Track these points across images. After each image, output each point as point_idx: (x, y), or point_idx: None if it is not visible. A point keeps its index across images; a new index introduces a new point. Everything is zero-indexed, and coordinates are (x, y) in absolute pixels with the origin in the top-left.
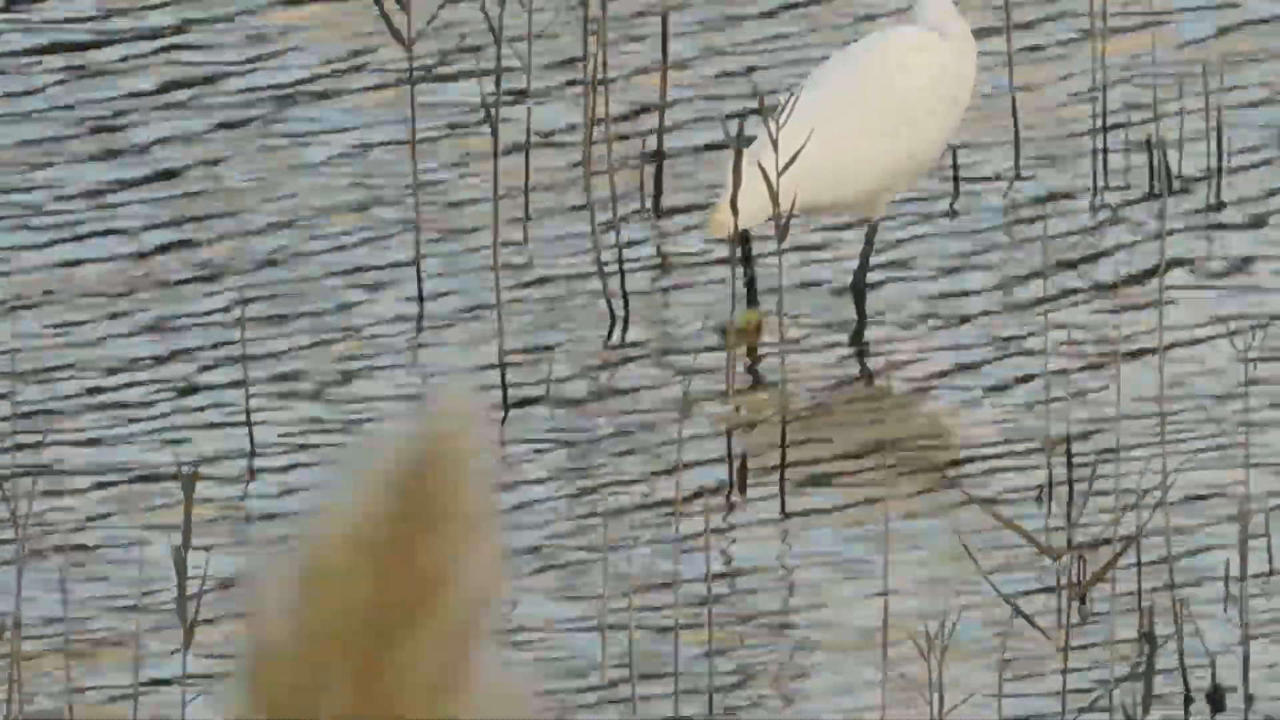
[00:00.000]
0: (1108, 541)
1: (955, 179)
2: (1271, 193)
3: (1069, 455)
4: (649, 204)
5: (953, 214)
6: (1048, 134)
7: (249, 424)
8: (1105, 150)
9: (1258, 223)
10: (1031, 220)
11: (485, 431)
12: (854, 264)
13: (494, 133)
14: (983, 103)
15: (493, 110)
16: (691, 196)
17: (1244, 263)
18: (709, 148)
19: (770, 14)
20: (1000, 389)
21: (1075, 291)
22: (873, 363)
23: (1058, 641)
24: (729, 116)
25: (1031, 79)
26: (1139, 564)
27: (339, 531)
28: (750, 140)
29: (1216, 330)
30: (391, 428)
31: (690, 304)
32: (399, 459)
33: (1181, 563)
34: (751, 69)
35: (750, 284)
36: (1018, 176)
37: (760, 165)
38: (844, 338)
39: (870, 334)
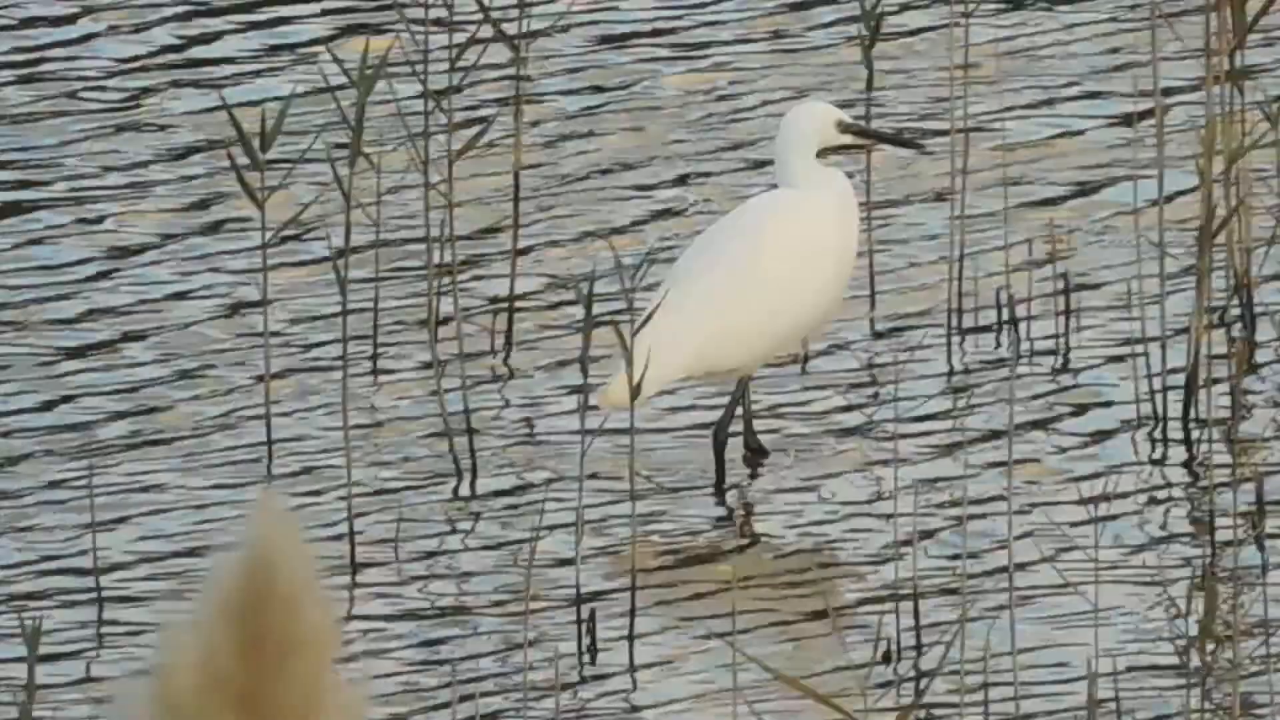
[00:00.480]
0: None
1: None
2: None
3: (916, 614)
4: (499, 358)
5: (804, 371)
6: (902, 294)
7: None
8: (960, 310)
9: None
10: (883, 383)
11: (306, 554)
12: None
13: (342, 290)
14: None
15: (341, 269)
16: (540, 353)
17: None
18: (560, 304)
19: (622, 185)
20: (852, 539)
21: (929, 447)
22: (730, 508)
23: None
24: (580, 279)
25: (889, 237)
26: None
27: (188, 671)
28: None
29: (1066, 484)
30: (226, 561)
31: (538, 455)
32: (234, 592)
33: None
34: (601, 233)
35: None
36: (874, 335)
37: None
38: (706, 484)
39: (731, 478)
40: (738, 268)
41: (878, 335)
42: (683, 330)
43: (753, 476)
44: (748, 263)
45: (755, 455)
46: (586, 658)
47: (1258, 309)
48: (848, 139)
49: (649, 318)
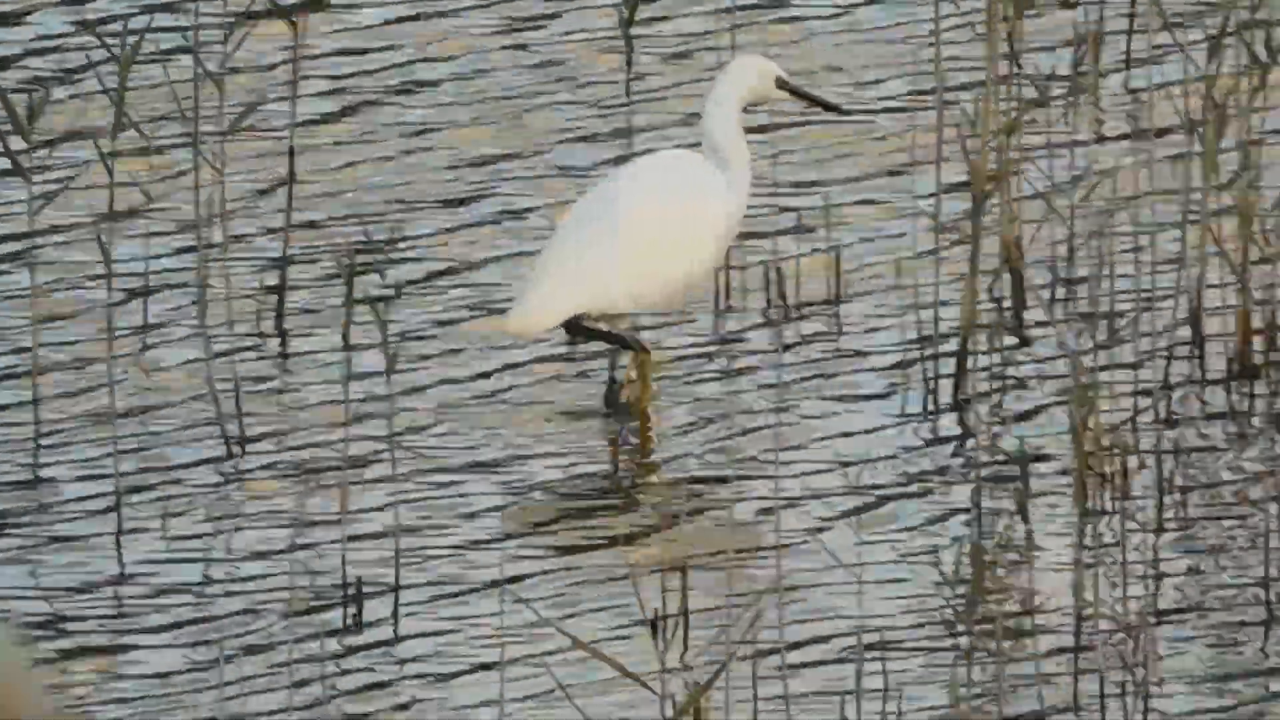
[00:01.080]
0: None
1: None
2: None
3: (684, 583)
4: (272, 327)
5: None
6: None
7: None
8: (728, 285)
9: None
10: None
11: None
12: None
13: (106, 260)
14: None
15: (106, 240)
16: (311, 322)
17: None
18: (329, 277)
19: (388, 157)
20: (619, 510)
21: (699, 418)
22: (501, 475)
23: None
24: (347, 248)
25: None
26: (755, 694)
27: None
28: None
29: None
30: None
31: (309, 426)
32: None
33: (802, 682)
34: (373, 206)
35: (619, 340)
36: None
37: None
38: (473, 454)
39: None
40: (640, 219)
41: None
42: (581, 268)
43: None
44: (649, 216)
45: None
46: (353, 626)
47: (1029, 278)
48: (781, 95)
49: (552, 249)
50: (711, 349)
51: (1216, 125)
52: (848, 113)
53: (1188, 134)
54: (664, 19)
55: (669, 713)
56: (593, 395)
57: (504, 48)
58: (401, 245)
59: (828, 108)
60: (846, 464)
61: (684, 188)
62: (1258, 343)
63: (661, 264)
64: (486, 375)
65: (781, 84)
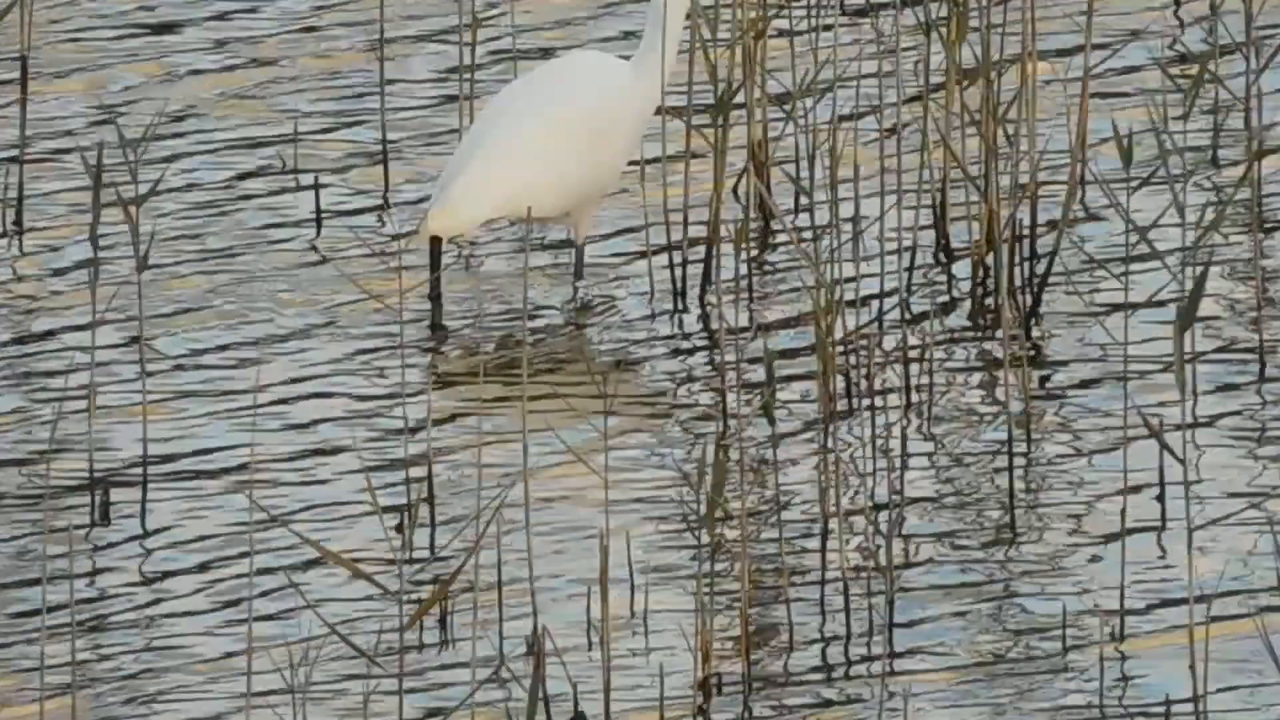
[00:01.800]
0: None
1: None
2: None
3: (430, 484)
4: (9, 224)
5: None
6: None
7: None
8: None
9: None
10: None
11: None
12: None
13: None
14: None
15: None
16: (57, 211)
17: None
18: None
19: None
20: (373, 407)
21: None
22: (249, 387)
23: (394, 670)
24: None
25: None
26: (500, 593)
27: None
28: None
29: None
30: None
31: (54, 326)
32: None
33: (546, 590)
34: (112, 97)
35: (436, 296)
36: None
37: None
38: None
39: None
40: (552, 118)
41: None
42: (495, 168)
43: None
44: (562, 116)
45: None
46: (100, 523)
47: (775, 184)
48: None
49: (465, 150)
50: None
51: (958, 23)
52: None
53: (924, 33)
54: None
55: (408, 612)
56: (347, 297)
57: None
58: (152, 147)
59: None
60: (595, 369)
61: (593, 78)
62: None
63: (582, 152)
64: (240, 276)
65: None
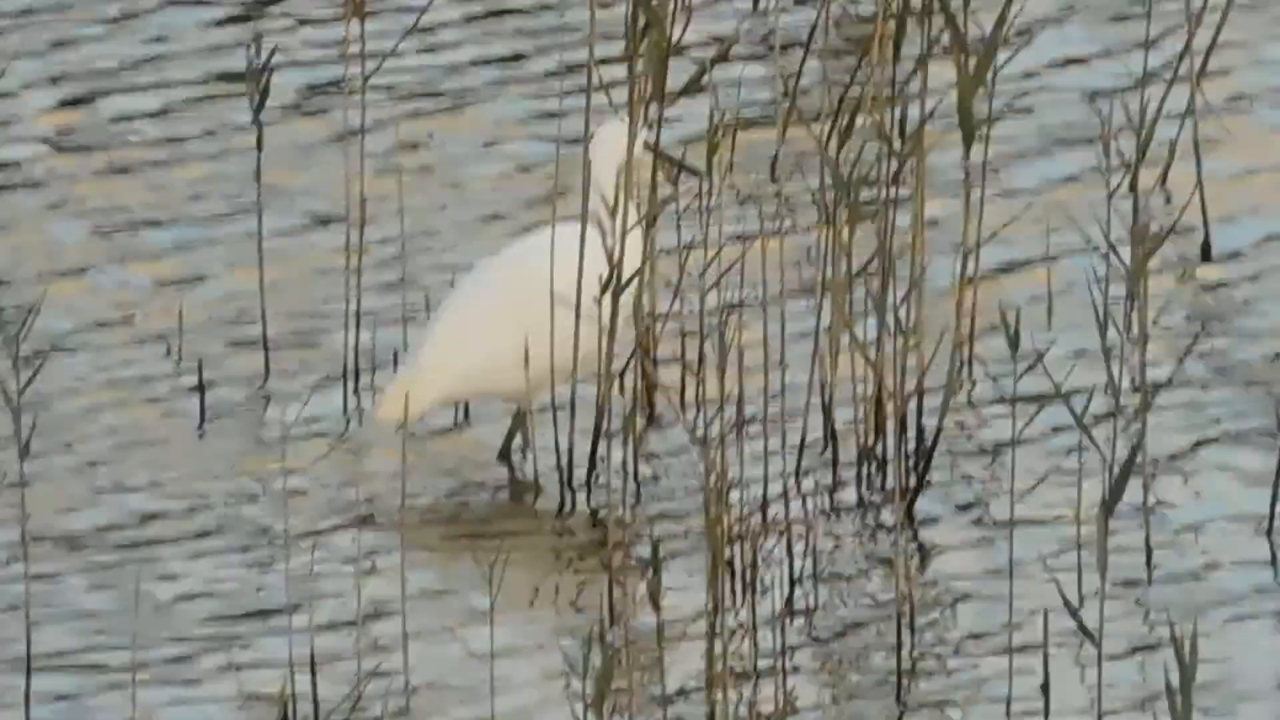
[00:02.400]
0: None
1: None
2: None
3: (314, 680)
4: None
5: (201, 431)
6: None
7: None
8: (359, 368)
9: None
10: (270, 443)
11: None
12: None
13: None
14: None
15: None
16: None
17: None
18: None
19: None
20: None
21: (325, 508)
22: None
23: None
24: None
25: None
26: None
27: None
28: None
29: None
30: None
31: None
32: None
33: None
34: None
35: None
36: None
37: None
38: None
39: None
40: (504, 298)
41: (268, 400)
42: (449, 352)
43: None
44: (513, 295)
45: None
46: None
47: (661, 363)
48: (647, 159)
49: (428, 334)
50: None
51: (852, 214)
52: (702, 175)
53: (824, 224)
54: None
55: None
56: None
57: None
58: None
59: (691, 171)
60: (478, 555)
61: (555, 261)
62: (889, 430)
63: (529, 340)
64: None
65: (648, 147)
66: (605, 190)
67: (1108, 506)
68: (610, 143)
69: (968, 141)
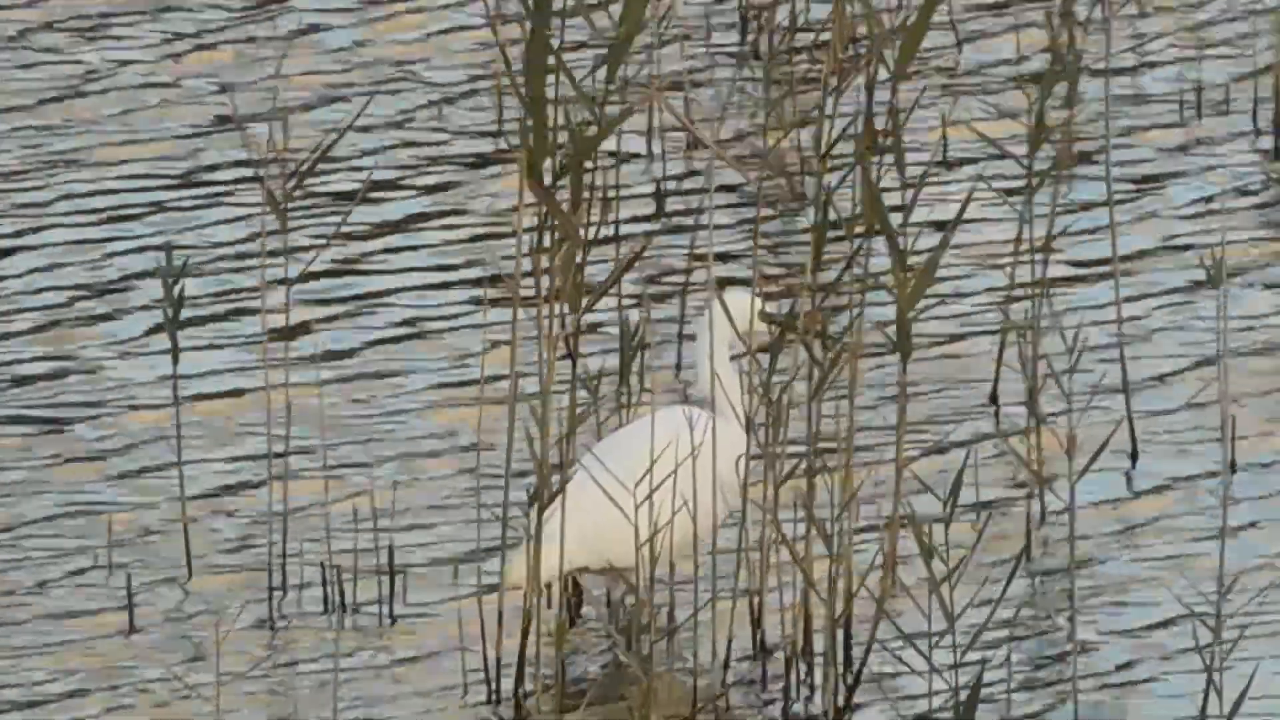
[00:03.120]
0: None
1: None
2: None
3: None
4: None
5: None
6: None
7: None
8: (285, 569)
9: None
10: (202, 651)
11: None
12: None
13: None
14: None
15: None
16: None
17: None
18: None
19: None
20: None
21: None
22: None
23: None
24: None
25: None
26: None
27: None
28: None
29: None
30: None
31: None
32: None
33: None
34: None
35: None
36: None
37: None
38: None
39: None
40: (633, 472)
41: (196, 615)
42: (580, 521)
43: None
44: (640, 470)
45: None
46: None
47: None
48: (763, 328)
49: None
50: (265, 642)
51: (778, 421)
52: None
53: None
54: None
55: None
56: None
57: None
58: None
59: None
60: None
61: (687, 440)
62: (818, 640)
63: (667, 519)
64: None
65: (766, 318)
66: (719, 364)
67: None
68: (724, 316)
69: (905, 356)
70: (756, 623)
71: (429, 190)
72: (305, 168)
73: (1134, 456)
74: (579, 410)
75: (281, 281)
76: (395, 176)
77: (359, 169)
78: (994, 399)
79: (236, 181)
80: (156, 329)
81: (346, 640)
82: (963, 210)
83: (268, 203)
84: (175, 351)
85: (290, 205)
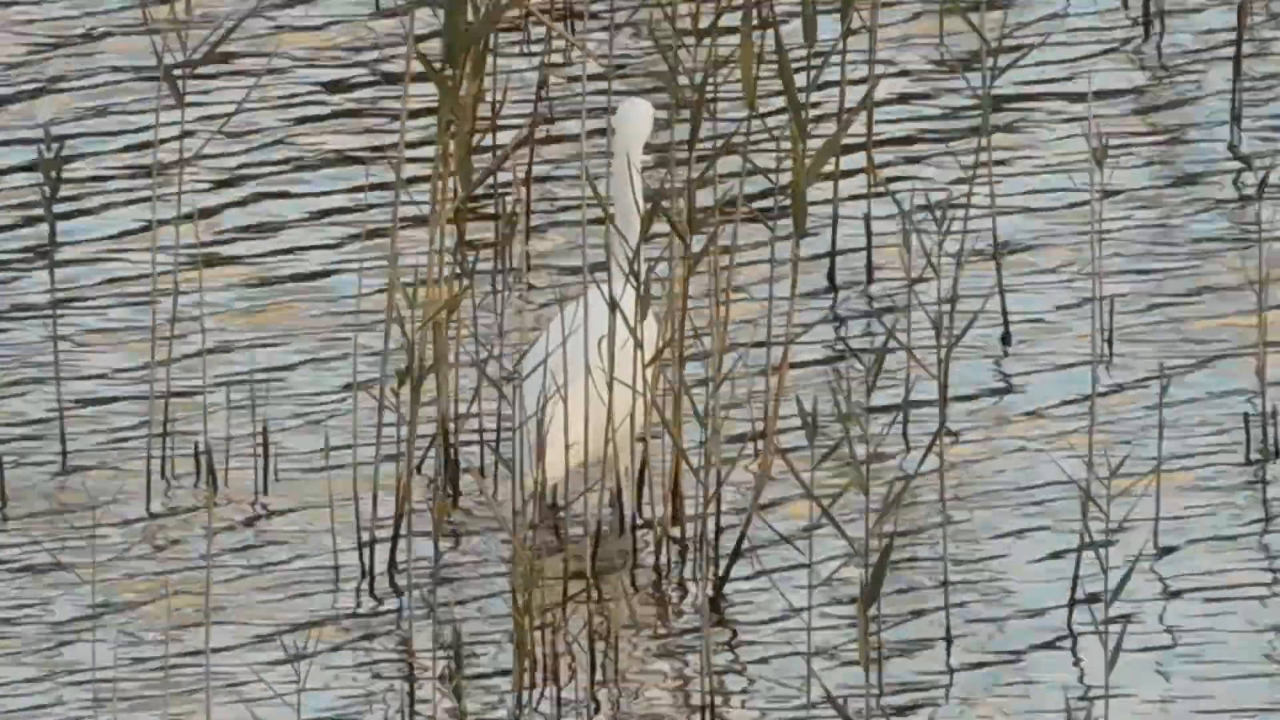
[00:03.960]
0: None
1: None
2: None
3: None
4: None
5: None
6: (99, 433)
7: None
8: (164, 454)
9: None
10: (80, 527)
11: None
12: None
13: None
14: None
15: None
16: None
17: None
18: None
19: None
20: None
21: (133, 591)
22: None
23: None
24: None
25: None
26: None
27: None
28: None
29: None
30: None
31: None
32: None
33: None
34: None
35: None
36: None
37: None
38: None
39: None
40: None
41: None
42: (581, 419)
43: None
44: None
45: None
46: None
47: (464, 456)
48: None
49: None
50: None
51: (647, 302)
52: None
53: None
54: None
55: None
56: None
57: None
58: None
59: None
60: (285, 638)
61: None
62: (688, 507)
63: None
64: None
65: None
66: (628, 171)
67: (868, 598)
68: (637, 119)
69: (799, 230)
70: (635, 490)
71: (319, 67)
72: (207, 47)
73: (1006, 338)
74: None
75: (176, 163)
76: (291, 64)
77: (261, 55)
78: (870, 278)
79: (128, 60)
80: (37, 219)
81: (220, 521)
82: (872, 90)
83: (163, 79)
84: (53, 237)
85: (185, 84)
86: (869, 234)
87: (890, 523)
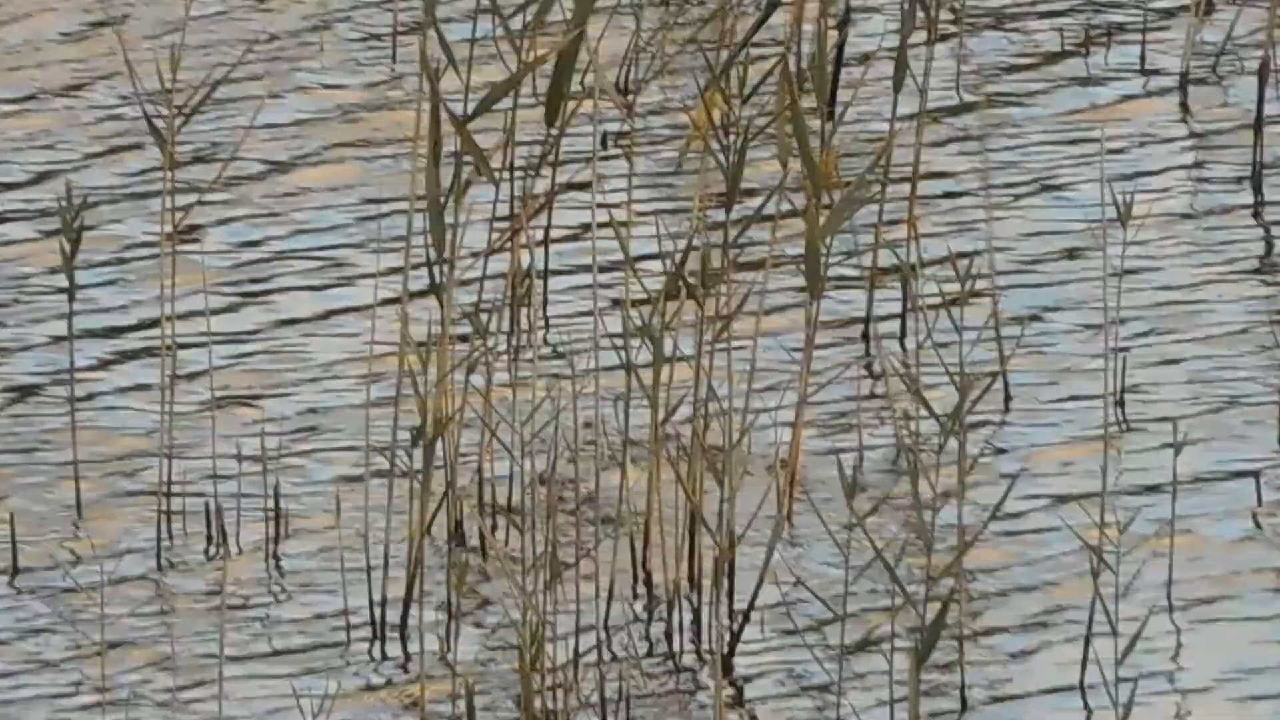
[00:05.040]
0: None
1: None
2: None
3: None
4: None
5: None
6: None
7: None
8: (169, 512)
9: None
10: (89, 592)
11: None
12: None
13: None
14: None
15: None
16: None
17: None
18: None
19: None
20: None
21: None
22: None
23: None
24: None
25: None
26: None
27: None
28: None
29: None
30: None
31: None
32: None
33: None
34: None
35: None
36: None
37: None
38: None
39: None
40: None
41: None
42: None
43: None
44: None
45: None
46: None
47: (474, 515)
48: None
49: None
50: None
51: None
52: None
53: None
54: None
55: None
56: None
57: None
58: None
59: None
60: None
61: None
62: (705, 571)
63: None
64: None
65: None
66: None
67: (920, 655)
68: None
69: (815, 295)
70: (642, 554)
71: (325, 118)
72: (197, 101)
73: (1007, 399)
74: (474, 355)
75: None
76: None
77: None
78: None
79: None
80: (54, 270)
81: (231, 580)
82: (890, 139)
83: (155, 140)
84: (71, 289)
85: (178, 142)
86: (905, 294)
87: (950, 575)
